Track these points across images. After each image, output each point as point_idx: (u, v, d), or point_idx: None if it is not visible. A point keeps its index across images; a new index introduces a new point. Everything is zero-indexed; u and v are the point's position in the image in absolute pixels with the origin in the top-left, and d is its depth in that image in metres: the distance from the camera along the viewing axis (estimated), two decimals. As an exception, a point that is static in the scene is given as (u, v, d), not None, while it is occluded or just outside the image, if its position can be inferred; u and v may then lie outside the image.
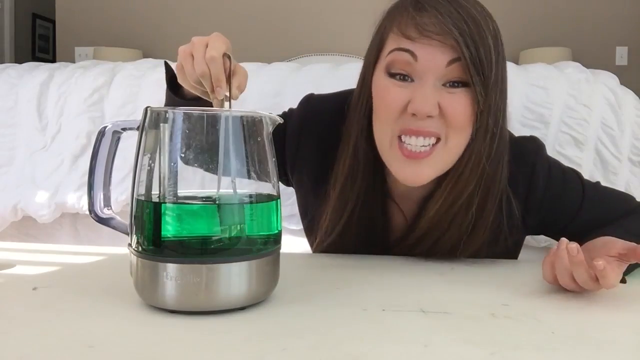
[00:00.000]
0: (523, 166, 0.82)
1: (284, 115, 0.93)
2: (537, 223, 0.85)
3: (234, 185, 0.57)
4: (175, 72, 0.74)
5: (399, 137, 0.73)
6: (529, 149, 0.85)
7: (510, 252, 0.87)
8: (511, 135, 0.86)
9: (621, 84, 1.44)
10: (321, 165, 0.86)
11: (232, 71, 0.68)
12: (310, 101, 0.92)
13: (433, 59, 0.70)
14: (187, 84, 0.72)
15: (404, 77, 0.72)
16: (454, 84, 0.71)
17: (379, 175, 0.81)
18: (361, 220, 0.82)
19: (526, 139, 0.88)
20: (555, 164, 0.86)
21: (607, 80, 1.42)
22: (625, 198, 0.88)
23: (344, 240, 0.84)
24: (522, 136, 0.89)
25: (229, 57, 0.68)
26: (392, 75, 0.73)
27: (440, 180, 0.77)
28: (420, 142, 0.72)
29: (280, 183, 0.96)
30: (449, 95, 0.71)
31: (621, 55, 3.68)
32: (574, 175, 0.87)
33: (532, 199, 0.82)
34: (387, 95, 0.74)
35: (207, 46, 0.67)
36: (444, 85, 0.71)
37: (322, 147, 0.86)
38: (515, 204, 0.81)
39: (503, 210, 0.80)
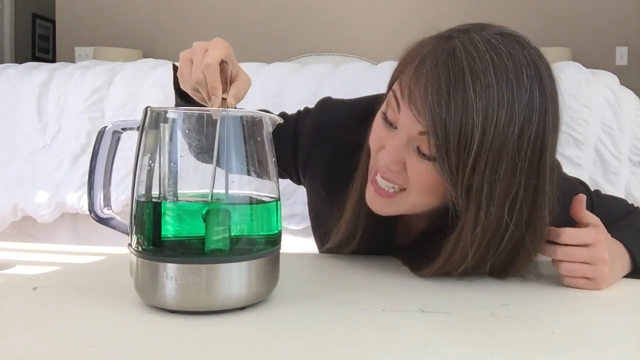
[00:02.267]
0: None
1: (298, 115, 0.93)
2: None
3: (226, 184, 0.57)
4: (178, 77, 0.73)
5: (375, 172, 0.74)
6: None
7: None
8: None
9: (621, 84, 1.44)
10: (334, 172, 0.85)
11: (232, 78, 0.67)
12: (326, 105, 0.91)
13: (409, 122, 0.67)
14: (187, 89, 0.71)
15: (391, 124, 0.71)
16: (422, 155, 0.67)
17: None
18: (373, 231, 0.82)
19: None
20: (569, 183, 0.87)
21: (607, 80, 1.42)
22: (621, 201, 0.91)
23: (359, 249, 0.84)
24: None
25: (228, 64, 0.67)
26: (384, 115, 0.72)
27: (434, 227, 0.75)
28: (384, 183, 0.72)
29: (286, 181, 0.96)
30: (416, 161, 0.68)
31: (621, 55, 3.68)
32: (583, 188, 0.88)
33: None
34: (374, 128, 0.74)
35: (206, 52, 0.66)
36: (417, 148, 0.68)
37: (336, 155, 0.85)
38: None
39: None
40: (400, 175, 0.70)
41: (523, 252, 0.70)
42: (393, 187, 0.71)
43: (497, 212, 0.66)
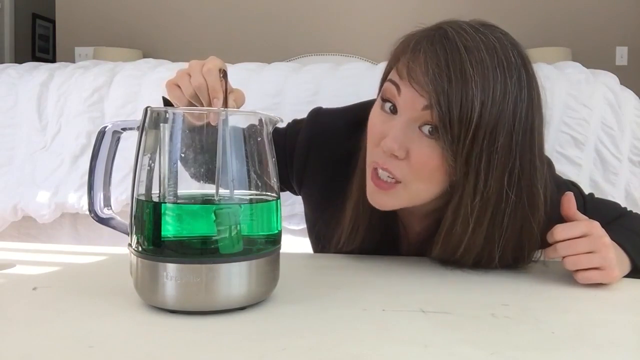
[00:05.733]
0: None
1: (287, 128, 0.93)
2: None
3: (217, 184, 0.57)
4: (168, 93, 0.73)
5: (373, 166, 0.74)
6: None
7: None
8: None
9: (621, 84, 1.44)
10: (331, 181, 0.85)
11: (229, 89, 0.69)
12: (318, 116, 0.92)
13: (411, 99, 0.70)
14: (181, 101, 0.72)
15: (393, 108, 0.72)
16: (430, 128, 0.69)
17: None
18: (374, 234, 0.82)
19: None
20: (562, 184, 0.88)
21: (607, 80, 1.42)
22: (614, 205, 0.92)
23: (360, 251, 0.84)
24: None
25: (225, 76, 0.68)
26: (384, 100, 0.73)
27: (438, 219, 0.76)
28: (385, 174, 0.72)
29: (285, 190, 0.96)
30: (419, 142, 0.70)
31: (621, 55, 3.69)
32: (577, 191, 0.88)
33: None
34: (372, 122, 0.75)
35: (203, 65, 0.68)
36: (420, 127, 0.70)
37: (331, 164, 0.86)
38: None
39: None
40: (400, 165, 0.71)
41: (527, 233, 0.73)
42: (391, 178, 0.72)
43: (495, 185, 0.69)
